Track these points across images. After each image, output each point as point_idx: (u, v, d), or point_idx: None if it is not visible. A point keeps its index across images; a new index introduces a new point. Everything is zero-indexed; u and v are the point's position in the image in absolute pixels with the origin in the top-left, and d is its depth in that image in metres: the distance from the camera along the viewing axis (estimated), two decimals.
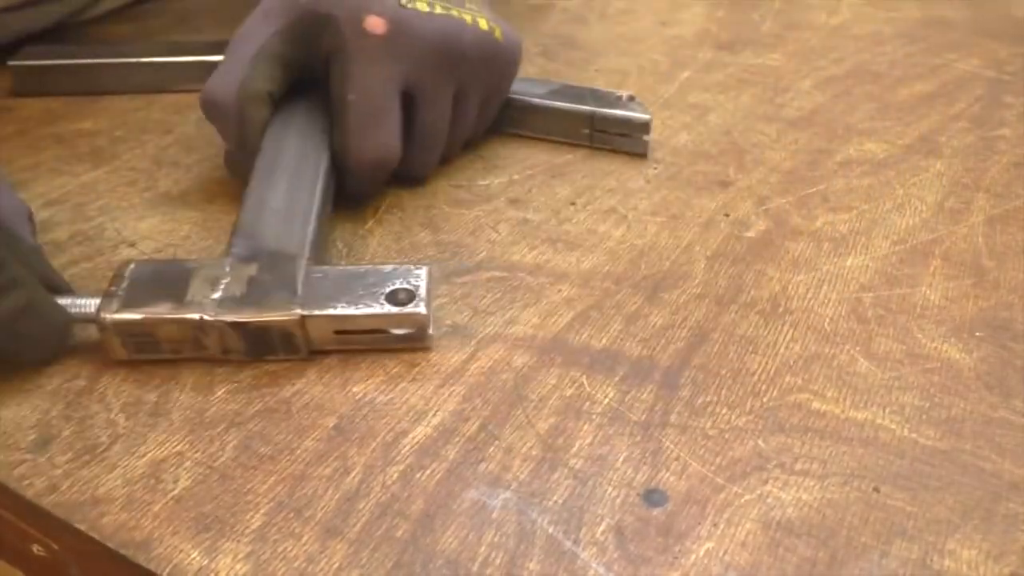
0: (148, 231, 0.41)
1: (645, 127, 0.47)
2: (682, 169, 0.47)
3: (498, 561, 0.26)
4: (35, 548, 0.30)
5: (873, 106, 0.54)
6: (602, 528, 0.27)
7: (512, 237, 0.41)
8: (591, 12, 0.69)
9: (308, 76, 0.42)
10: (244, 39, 0.41)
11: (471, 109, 0.45)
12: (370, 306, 0.32)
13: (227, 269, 0.33)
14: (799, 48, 0.63)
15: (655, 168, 0.47)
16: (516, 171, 0.46)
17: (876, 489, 0.28)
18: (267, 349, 0.32)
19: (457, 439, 0.30)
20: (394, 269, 0.34)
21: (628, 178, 0.46)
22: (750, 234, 0.41)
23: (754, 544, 0.27)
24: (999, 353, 0.34)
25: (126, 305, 0.32)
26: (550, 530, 0.27)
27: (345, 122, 0.40)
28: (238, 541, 0.26)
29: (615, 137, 0.48)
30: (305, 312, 0.32)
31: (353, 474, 0.29)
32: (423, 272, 0.34)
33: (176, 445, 0.30)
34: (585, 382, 0.32)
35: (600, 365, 0.33)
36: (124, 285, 0.33)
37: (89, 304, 0.32)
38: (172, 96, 0.53)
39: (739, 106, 0.54)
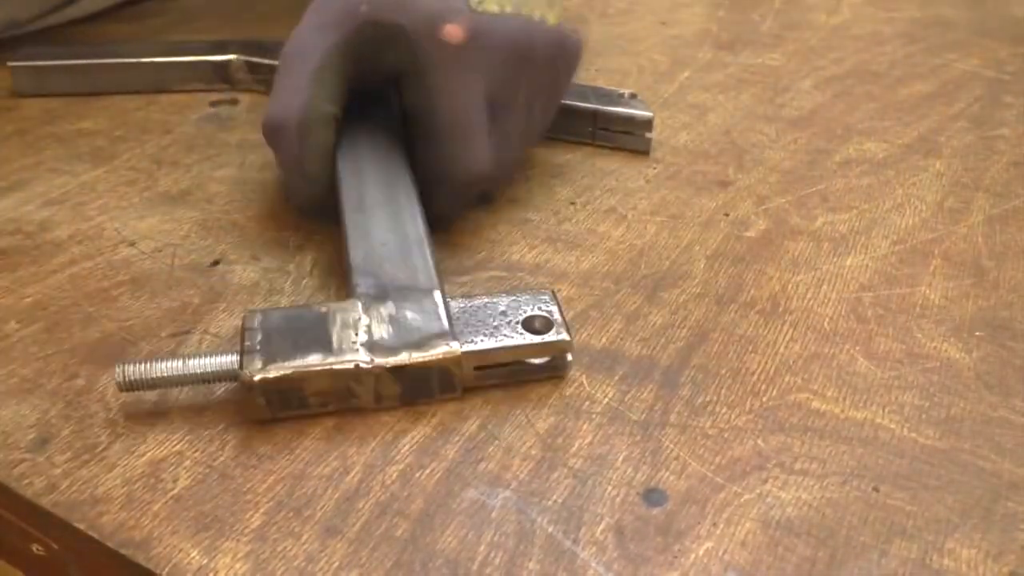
0: (148, 231, 0.41)
1: (648, 124, 0.47)
2: (682, 169, 0.47)
3: (497, 560, 0.26)
4: (35, 547, 0.30)
5: (873, 106, 0.54)
6: (602, 527, 0.27)
7: (512, 236, 0.41)
8: (591, 12, 0.69)
9: (363, 90, 0.40)
10: (299, 55, 0.37)
11: (538, 113, 0.41)
12: (512, 337, 0.31)
13: (360, 310, 0.31)
14: (799, 48, 0.63)
15: (655, 168, 0.47)
16: (515, 170, 0.46)
17: (876, 488, 0.28)
18: (423, 392, 0.30)
19: (457, 438, 0.30)
20: (521, 296, 0.33)
21: (628, 178, 0.46)
22: (750, 234, 0.41)
23: (754, 543, 0.27)
24: (999, 352, 0.34)
25: (271, 359, 0.29)
26: (550, 529, 0.27)
27: (435, 140, 0.37)
28: (237, 540, 0.26)
29: (618, 135, 0.48)
30: (465, 348, 0.30)
31: (353, 473, 0.29)
32: (550, 296, 0.33)
33: (175, 444, 0.30)
34: (585, 381, 0.32)
35: (600, 364, 0.33)
36: (259, 338, 0.30)
37: (229, 361, 0.30)
38: (172, 96, 0.53)
39: (739, 106, 0.54)
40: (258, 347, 0.29)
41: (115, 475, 0.28)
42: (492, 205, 0.43)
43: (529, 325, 0.31)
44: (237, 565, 0.26)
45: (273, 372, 0.29)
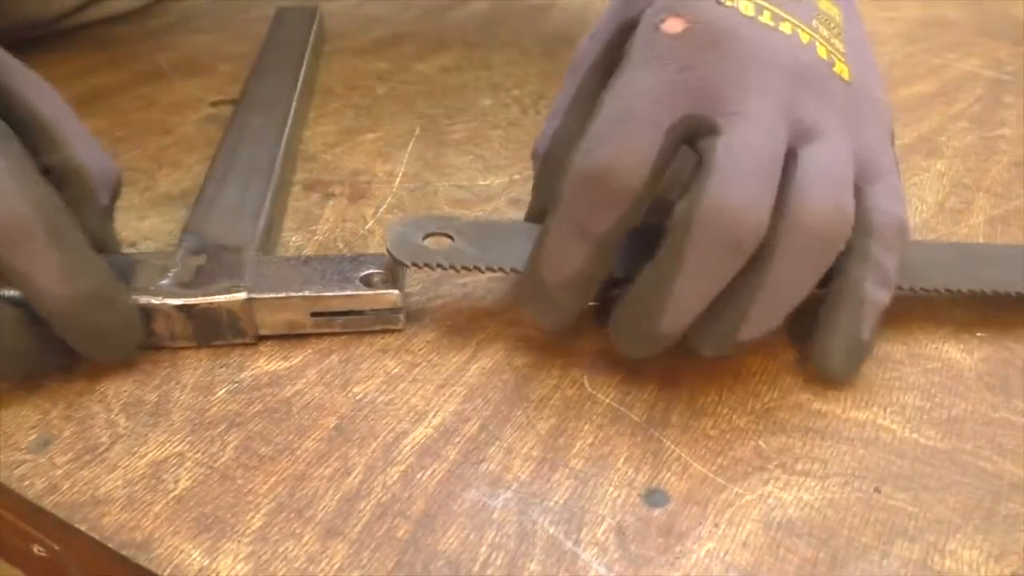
0: (148, 231, 0.41)
1: None
2: None
3: (499, 561, 0.26)
4: (36, 548, 0.30)
5: None
6: (603, 528, 0.27)
7: None
8: (591, 12, 0.69)
9: None
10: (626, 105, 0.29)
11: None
12: (345, 289, 0.33)
13: (174, 260, 0.34)
14: None
15: None
16: (516, 171, 0.46)
17: (877, 489, 0.28)
18: (215, 334, 0.33)
19: (458, 439, 0.30)
20: (370, 257, 0.35)
21: None
22: None
23: (755, 544, 0.27)
24: (1000, 353, 0.34)
25: None
26: (551, 530, 0.27)
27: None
28: (239, 541, 0.26)
29: None
30: (252, 295, 0.33)
31: (354, 474, 0.29)
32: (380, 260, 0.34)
33: (177, 445, 0.30)
34: (586, 382, 0.32)
35: (600, 365, 0.33)
36: None
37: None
38: (172, 96, 0.53)
39: None
40: None
41: (116, 476, 0.28)
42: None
43: (367, 280, 0.34)
44: (238, 566, 0.26)
45: None
